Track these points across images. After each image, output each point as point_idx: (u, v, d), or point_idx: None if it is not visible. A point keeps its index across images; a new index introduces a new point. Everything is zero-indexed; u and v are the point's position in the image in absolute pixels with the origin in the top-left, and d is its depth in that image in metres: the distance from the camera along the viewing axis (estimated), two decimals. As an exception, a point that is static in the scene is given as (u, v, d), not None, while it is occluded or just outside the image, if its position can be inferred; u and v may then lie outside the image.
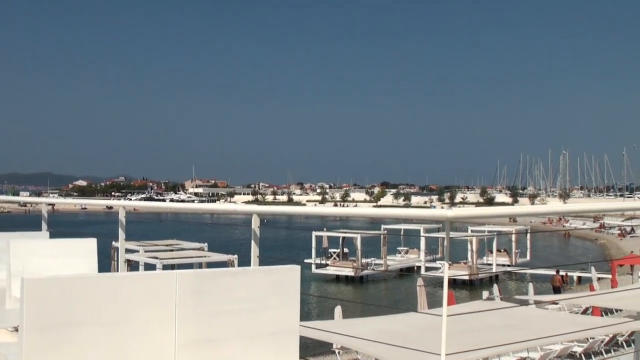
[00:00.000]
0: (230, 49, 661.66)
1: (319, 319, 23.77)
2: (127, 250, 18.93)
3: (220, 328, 4.09)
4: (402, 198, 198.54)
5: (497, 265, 47.29)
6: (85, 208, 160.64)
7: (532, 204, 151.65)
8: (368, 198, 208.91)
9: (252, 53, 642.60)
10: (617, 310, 19.35)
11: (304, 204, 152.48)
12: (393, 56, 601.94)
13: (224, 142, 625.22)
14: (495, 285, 31.35)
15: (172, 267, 20.77)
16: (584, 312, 22.98)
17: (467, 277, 41.04)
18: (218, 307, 4.09)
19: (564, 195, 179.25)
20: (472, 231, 50.30)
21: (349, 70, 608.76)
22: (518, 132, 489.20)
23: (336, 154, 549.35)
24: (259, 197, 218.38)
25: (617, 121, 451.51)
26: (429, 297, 25.16)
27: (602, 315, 20.16)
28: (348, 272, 44.87)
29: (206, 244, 24.63)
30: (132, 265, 21.36)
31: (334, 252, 48.74)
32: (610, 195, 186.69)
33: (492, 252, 47.71)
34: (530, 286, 29.98)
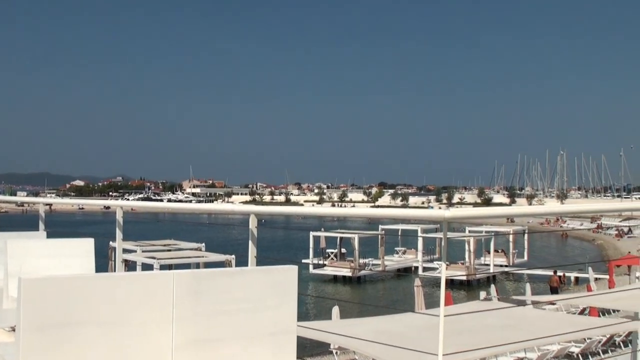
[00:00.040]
0: (230, 49, 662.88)
1: (317, 319, 23.76)
2: (125, 250, 18.97)
3: (217, 328, 4.09)
4: (400, 198, 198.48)
5: (495, 265, 47.28)
6: (82, 208, 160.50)
7: (530, 204, 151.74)
8: (366, 198, 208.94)
9: (252, 53, 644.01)
10: (614, 311, 19.38)
11: (302, 204, 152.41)
12: (393, 56, 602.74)
13: (222, 142, 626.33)
14: (492, 286, 31.33)
15: (169, 267, 20.73)
16: (582, 312, 22.99)
17: (464, 278, 40.99)
18: (215, 307, 4.08)
19: (562, 196, 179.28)
20: (469, 231, 50.29)
21: (348, 70, 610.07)
22: (516, 132, 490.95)
23: (334, 154, 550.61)
24: (257, 197, 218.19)
25: (615, 122, 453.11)
26: (426, 298, 25.16)
27: (599, 316, 20.17)
28: (346, 272, 44.83)
29: (204, 244, 24.58)
30: (130, 266, 21.35)
31: (332, 253, 48.71)
32: (608, 196, 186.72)
33: (489, 253, 47.71)
34: (528, 286, 30.00)
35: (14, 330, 3.64)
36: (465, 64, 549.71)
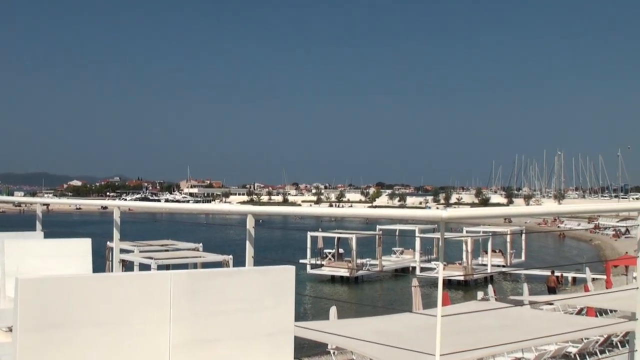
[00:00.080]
0: (230, 49, 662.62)
1: (315, 319, 23.76)
2: (122, 251, 18.96)
3: (214, 328, 4.09)
4: (398, 198, 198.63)
5: (492, 265, 47.33)
6: (79, 208, 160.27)
7: (527, 204, 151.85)
8: (363, 198, 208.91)
9: (252, 53, 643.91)
10: (611, 311, 19.39)
11: (299, 205, 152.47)
12: (393, 56, 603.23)
13: (220, 142, 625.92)
14: (490, 286, 31.37)
15: (167, 267, 20.77)
16: (579, 312, 23.02)
17: (462, 278, 41.03)
18: (213, 307, 4.08)
19: (559, 196, 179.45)
20: (467, 232, 50.33)
21: (348, 70, 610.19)
22: (513, 132, 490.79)
23: (332, 154, 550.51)
24: (254, 197, 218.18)
25: (612, 122, 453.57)
26: (424, 298, 25.16)
27: (596, 316, 20.18)
28: (343, 272, 44.85)
29: (201, 244, 24.60)
30: (127, 266, 21.37)
31: (329, 253, 48.72)
32: (605, 196, 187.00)
33: (487, 253, 47.77)
34: (525, 287, 30.01)
35: (11, 330, 3.64)
36: (465, 64, 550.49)
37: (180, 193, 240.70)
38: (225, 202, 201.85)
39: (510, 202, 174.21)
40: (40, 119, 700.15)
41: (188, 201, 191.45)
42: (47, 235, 8.56)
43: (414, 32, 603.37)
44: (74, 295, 3.63)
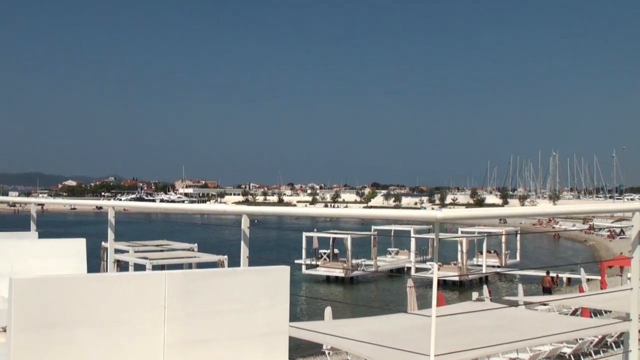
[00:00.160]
0: (230, 49, 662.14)
1: (310, 319, 23.75)
2: (117, 251, 18.93)
3: (209, 328, 4.09)
4: (393, 199, 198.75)
5: (487, 266, 47.35)
6: (74, 208, 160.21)
7: (522, 205, 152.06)
8: (358, 199, 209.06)
9: (252, 53, 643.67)
10: (606, 312, 19.46)
11: (295, 205, 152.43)
12: (393, 56, 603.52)
13: (215, 142, 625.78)
14: (485, 287, 31.38)
15: (161, 267, 20.69)
16: (574, 313, 23.05)
17: (457, 278, 41.06)
18: (207, 307, 4.08)
19: (554, 197, 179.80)
20: (462, 232, 50.39)
21: (348, 70, 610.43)
22: (509, 133, 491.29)
23: (327, 154, 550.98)
24: (249, 197, 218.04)
25: (607, 123, 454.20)
26: (419, 298, 25.18)
27: (591, 316, 20.24)
28: (338, 272, 44.84)
29: (196, 244, 24.54)
30: (122, 266, 21.30)
31: (325, 253, 48.71)
32: (600, 197, 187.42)
33: (482, 253, 47.80)
34: (520, 287, 30.06)
35: (5, 330, 3.63)
36: (465, 64, 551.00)
37: (176, 193, 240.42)
38: (221, 202, 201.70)
39: (505, 203, 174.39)
40: (35, 118, 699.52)
41: (183, 201, 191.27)
42: (42, 235, 8.54)
43: (414, 32, 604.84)
44: (68, 296, 3.62)
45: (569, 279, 42.44)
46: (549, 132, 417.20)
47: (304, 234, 47.88)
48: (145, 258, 21.48)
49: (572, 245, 78.37)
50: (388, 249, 54.59)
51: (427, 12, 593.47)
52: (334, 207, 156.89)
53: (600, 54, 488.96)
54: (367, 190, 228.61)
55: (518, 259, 52.36)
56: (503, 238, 50.74)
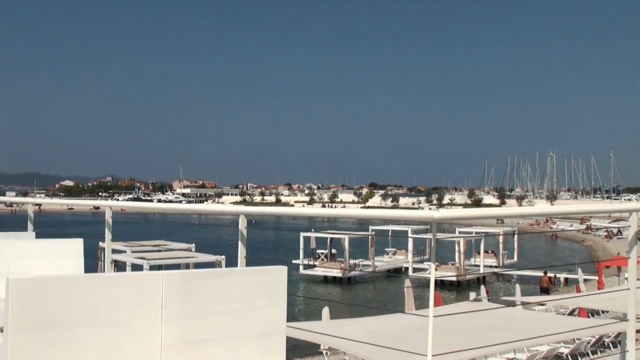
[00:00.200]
0: (230, 49, 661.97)
1: (307, 320, 23.75)
2: (114, 251, 18.91)
3: (206, 328, 4.08)
4: (390, 199, 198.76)
5: (485, 266, 47.41)
6: (72, 208, 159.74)
7: (520, 205, 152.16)
8: (356, 199, 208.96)
9: (252, 53, 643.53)
10: (603, 312, 19.46)
11: (292, 205, 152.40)
12: (393, 56, 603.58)
13: (213, 142, 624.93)
14: (482, 287, 31.43)
15: (159, 267, 20.68)
16: (571, 313, 23.09)
17: (454, 279, 41.08)
18: (205, 307, 4.08)
19: (551, 197, 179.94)
20: (459, 232, 50.42)
21: (348, 70, 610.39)
22: (506, 133, 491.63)
23: (324, 155, 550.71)
24: (247, 197, 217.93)
25: (605, 123, 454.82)
26: (416, 298, 25.19)
27: (588, 317, 20.25)
28: (336, 273, 44.85)
29: (194, 244, 24.53)
30: (119, 266, 21.28)
31: (322, 253, 48.71)
32: (597, 197, 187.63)
33: (479, 254, 47.85)
34: (518, 287, 30.08)
35: (2, 331, 3.63)
36: (465, 64, 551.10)
37: (173, 193, 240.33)
38: (218, 202, 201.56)
39: (502, 203, 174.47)
40: (32, 118, 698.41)
41: (180, 201, 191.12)
42: (39, 235, 8.52)
43: (414, 32, 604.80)
44: (65, 296, 3.62)
45: (566, 279, 42.49)
46: (547, 132, 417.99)
47: (302, 234, 47.87)
48: (143, 258, 21.47)
49: (569, 246, 78.45)
50: (386, 249, 54.61)
51: (427, 12, 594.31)
52: (331, 207, 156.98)
53: (600, 54, 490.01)
54: (364, 191, 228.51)
55: (515, 259, 52.40)
56: (500, 238, 50.82)
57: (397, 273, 47.70)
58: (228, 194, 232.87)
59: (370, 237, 48.51)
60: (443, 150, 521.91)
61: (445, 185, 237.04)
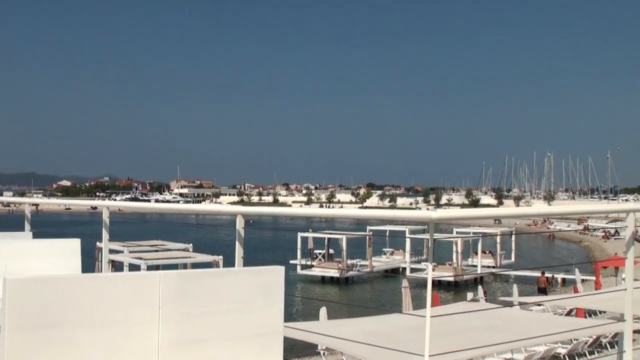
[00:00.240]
0: (230, 49, 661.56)
1: (304, 320, 23.75)
2: (111, 251, 18.88)
3: (204, 328, 4.08)
4: (388, 199, 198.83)
5: (482, 266, 47.46)
6: (69, 208, 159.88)
7: (517, 205, 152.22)
8: (354, 199, 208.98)
9: (252, 53, 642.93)
10: (600, 312, 19.48)
11: (290, 205, 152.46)
12: (393, 56, 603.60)
13: (210, 142, 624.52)
14: (480, 287, 31.44)
15: (156, 267, 20.65)
16: (568, 313, 23.09)
17: (452, 279, 41.11)
18: (202, 307, 4.08)
19: (549, 198, 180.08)
20: (457, 233, 50.45)
21: (348, 70, 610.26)
22: (504, 134, 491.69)
23: (323, 155, 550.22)
24: (245, 197, 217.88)
25: (602, 124, 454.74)
26: (414, 299, 25.19)
27: (586, 317, 20.28)
28: (333, 273, 44.85)
29: (191, 244, 24.51)
30: (116, 266, 21.25)
31: (320, 253, 48.71)
32: (595, 198, 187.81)
33: (477, 254, 47.88)
34: (515, 288, 30.10)
35: (-1, 331, 3.62)
36: (465, 64, 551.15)
37: (170, 193, 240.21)
38: (216, 202, 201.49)
39: (500, 203, 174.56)
40: (30, 118, 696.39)
41: (178, 201, 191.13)
42: (36, 235, 8.52)
43: (414, 32, 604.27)
44: (62, 296, 3.62)
45: (563, 280, 42.51)
46: (544, 132, 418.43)
47: (299, 234, 47.87)
48: (140, 258, 21.43)
49: (566, 246, 78.52)
50: (383, 250, 54.61)
51: (427, 12, 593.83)
52: (329, 207, 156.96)
53: (600, 54, 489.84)
54: (362, 191, 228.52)
55: (513, 259, 52.44)
56: (498, 238, 50.83)
57: (394, 273, 47.72)
58: (225, 194, 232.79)
59: (367, 237, 48.50)
60: (441, 150, 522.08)
61: (443, 186, 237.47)
